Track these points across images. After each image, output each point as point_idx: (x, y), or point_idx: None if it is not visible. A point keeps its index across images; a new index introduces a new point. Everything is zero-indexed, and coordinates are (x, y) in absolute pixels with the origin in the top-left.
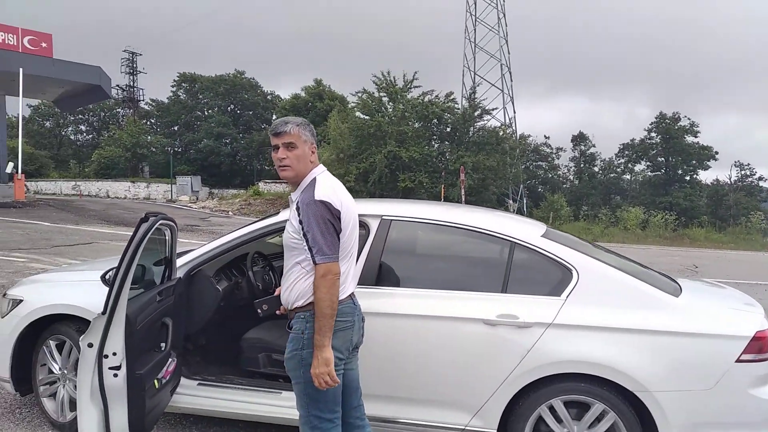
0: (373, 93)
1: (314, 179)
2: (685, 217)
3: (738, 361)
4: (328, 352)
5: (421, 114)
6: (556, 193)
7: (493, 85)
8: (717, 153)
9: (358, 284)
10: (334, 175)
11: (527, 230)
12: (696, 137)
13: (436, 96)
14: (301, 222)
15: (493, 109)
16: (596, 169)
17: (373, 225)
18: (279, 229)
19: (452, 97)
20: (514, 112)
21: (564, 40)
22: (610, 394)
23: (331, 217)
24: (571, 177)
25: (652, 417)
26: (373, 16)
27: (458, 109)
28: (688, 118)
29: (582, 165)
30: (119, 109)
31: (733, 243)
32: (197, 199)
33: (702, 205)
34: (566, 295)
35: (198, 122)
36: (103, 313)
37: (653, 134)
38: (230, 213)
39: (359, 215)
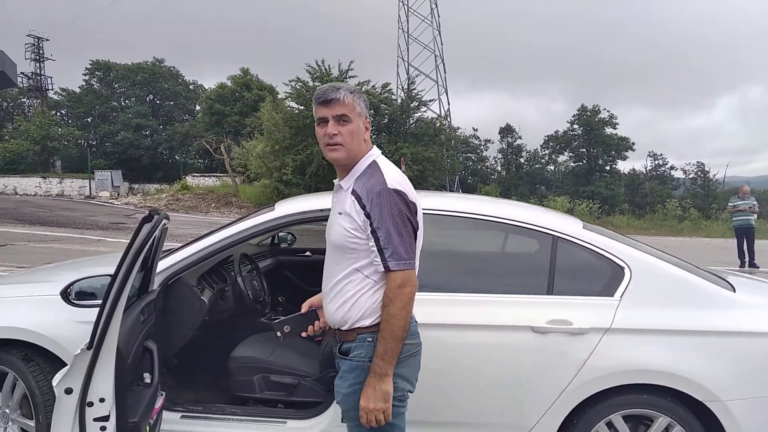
0: (308, 82)
1: (374, 162)
2: (607, 205)
3: None
4: (388, 384)
5: None
6: (488, 185)
7: (427, 76)
8: (634, 144)
9: None
10: (269, 167)
11: (567, 222)
12: (615, 129)
13: (373, 87)
14: (368, 215)
15: (430, 101)
16: (522, 160)
17: None
18: (275, 228)
19: (389, 87)
20: (449, 104)
21: (491, 33)
22: (675, 405)
23: (408, 211)
24: (499, 168)
25: (723, 430)
26: (301, 3)
27: (395, 99)
28: (608, 111)
29: (509, 156)
30: (24, 99)
31: (654, 229)
32: (118, 194)
33: (621, 194)
34: (620, 295)
35: (114, 113)
36: (89, 347)
37: (575, 126)
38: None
39: None
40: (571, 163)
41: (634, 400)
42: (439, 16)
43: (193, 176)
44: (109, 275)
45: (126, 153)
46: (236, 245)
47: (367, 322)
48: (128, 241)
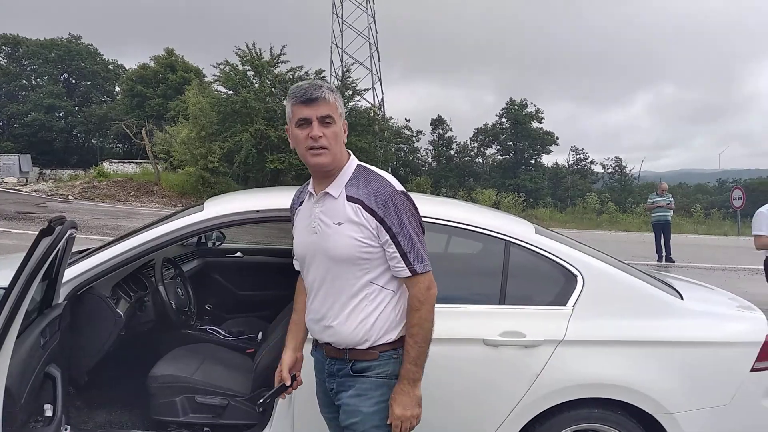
0: (237, 66)
1: (360, 167)
2: (532, 198)
3: (752, 370)
4: (419, 389)
5: None
6: (420, 176)
7: (361, 64)
8: (558, 138)
9: None
10: (194, 154)
11: (519, 226)
12: (540, 123)
13: (306, 72)
14: (382, 222)
15: (364, 90)
16: (453, 152)
17: None
18: (204, 231)
19: (322, 75)
20: (383, 93)
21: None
22: (626, 419)
23: (417, 213)
24: (430, 160)
25: None
26: None
27: None
28: (534, 105)
29: (440, 148)
30: None
31: (575, 222)
32: (27, 181)
33: (545, 187)
34: (572, 304)
35: (24, 92)
36: None
37: (504, 120)
38: (70, 197)
39: None
40: (499, 156)
41: (587, 415)
42: (374, 3)
43: (111, 162)
44: (3, 288)
45: (36, 136)
46: (158, 250)
47: (392, 337)
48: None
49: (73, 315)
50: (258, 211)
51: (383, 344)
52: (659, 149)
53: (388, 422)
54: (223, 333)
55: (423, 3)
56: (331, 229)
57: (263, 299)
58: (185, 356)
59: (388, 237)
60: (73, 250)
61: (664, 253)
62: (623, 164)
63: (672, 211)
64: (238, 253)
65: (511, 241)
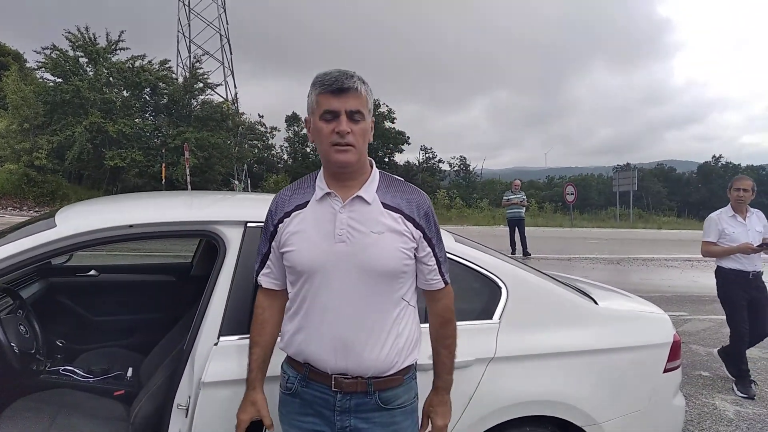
0: (67, 51)
1: (378, 172)
2: None
3: (665, 371)
4: None
5: (130, 81)
6: (277, 174)
7: (211, 56)
8: (409, 137)
9: (230, 334)
10: (15, 150)
11: None
12: (393, 123)
13: (149, 62)
14: (424, 232)
15: (217, 85)
16: (309, 149)
17: (234, 237)
18: (59, 253)
19: (168, 65)
20: (236, 87)
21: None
22: None
23: None
24: (286, 157)
25: None
26: None
27: (176, 78)
28: (386, 105)
29: (296, 145)
30: None
31: None
32: None
33: None
34: (498, 317)
35: None
36: None
37: None
38: None
39: (206, 223)
40: None
41: None
42: None
43: None
44: None
45: None
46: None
47: (416, 356)
48: None
49: None
50: (131, 226)
51: (407, 367)
52: (496, 149)
53: None
54: (81, 373)
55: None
56: (369, 238)
57: (126, 325)
58: (31, 410)
59: (429, 249)
60: None
61: (519, 247)
62: (467, 162)
63: (525, 208)
64: (92, 271)
65: None
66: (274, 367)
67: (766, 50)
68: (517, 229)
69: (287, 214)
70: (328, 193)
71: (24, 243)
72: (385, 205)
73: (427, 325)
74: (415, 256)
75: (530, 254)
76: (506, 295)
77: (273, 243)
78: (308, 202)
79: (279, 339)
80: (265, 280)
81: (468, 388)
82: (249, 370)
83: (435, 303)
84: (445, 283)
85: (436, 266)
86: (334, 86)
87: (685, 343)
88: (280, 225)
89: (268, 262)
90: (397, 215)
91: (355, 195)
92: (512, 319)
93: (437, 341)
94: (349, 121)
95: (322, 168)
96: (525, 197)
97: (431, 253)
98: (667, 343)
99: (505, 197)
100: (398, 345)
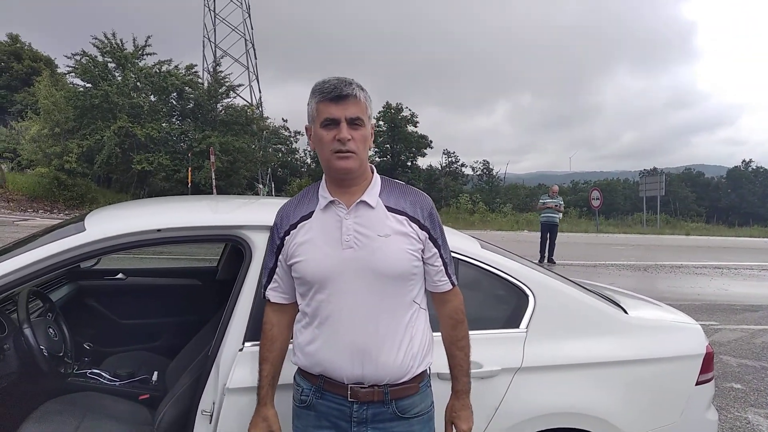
0: (96, 57)
1: (378, 176)
2: None
3: (697, 383)
4: None
5: (157, 86)
6: (301, 178)
7: (236, 60)
8: (432, 141)
9: (256, 340)
10: (46, 153)
11: (465, 241)
12: (416, 127)
13: (176, 67)
14: (429, 233)
15: (238, 86)
16: None
17: (260, 242)
18: (89, 257)
19: (194, 70)
20: (260, 92)
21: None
22: None
23: None
24: (309, 161)
25: None
26: None
27: (201, 83)
28: (409, 109)
29: None
30: None
31: (451, 222)
32: None
33: (420, 189)
34: (526, 326)
35: None
36: None
37: (381, 123)
38: None
39: (232, 227)
40: (377, 159)
41: None
42: None
43: None
44: None
45: None
46: (22, 285)
47: (428, 362)
48: None
49: None
50: (159, 231)
51: (421, 373)
52: (519, 153)
53: None
54: (107, 376)
55: (300, 1)
56: (377, 242)
57: (152, 329)
58: (59, 412)
59: (435, 250)
60: None
61: (546, 254)
62: (490, 167)
63: (561, 214)
64: (120, 275)
65: (459, 258)
66: (286, 377)
67: None
68: (549, 234)
69: (293, 226)
70: (332, 201)
71: (55, 247)
72: (389, 209)
73: (439, 334)
74: (422, 257)
75: (555, 261)
76: (534, 303)
77: (280, 256)
78: (313, 212)
79: (292, 353)
80: (273, 294)
81: (493, 398)
82: (259, 387)
83: (444, 305)
84: (453, 284)
85: (442, 267)
86: (333, 94)
87: (716, 353)
88: (286, 237)
89: (275, 276)
90: (402, 217)
91: (359, 200)
92: (540, 328)
93: (451, 344)
94: (350, 128)
95: (323, 178)
96: (562, 202)
97: (437, 254)
98: (700, 355)
99: (541, 200)
100: (412, 350)
